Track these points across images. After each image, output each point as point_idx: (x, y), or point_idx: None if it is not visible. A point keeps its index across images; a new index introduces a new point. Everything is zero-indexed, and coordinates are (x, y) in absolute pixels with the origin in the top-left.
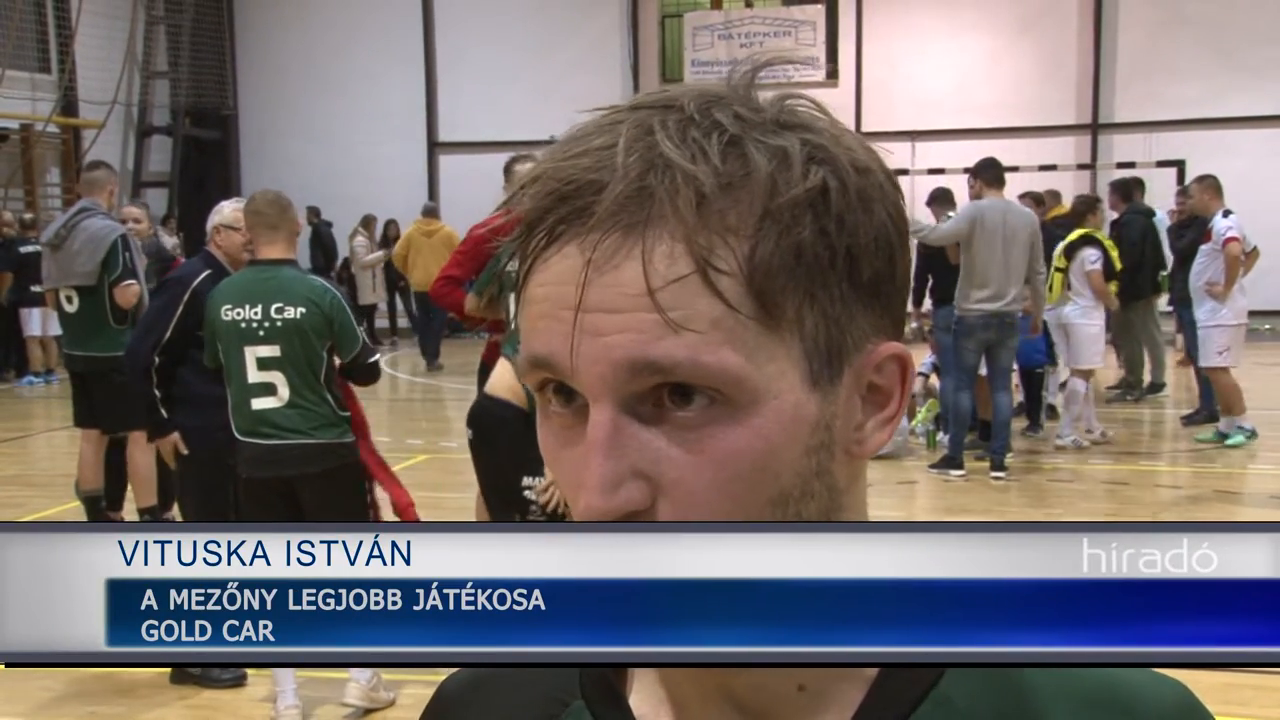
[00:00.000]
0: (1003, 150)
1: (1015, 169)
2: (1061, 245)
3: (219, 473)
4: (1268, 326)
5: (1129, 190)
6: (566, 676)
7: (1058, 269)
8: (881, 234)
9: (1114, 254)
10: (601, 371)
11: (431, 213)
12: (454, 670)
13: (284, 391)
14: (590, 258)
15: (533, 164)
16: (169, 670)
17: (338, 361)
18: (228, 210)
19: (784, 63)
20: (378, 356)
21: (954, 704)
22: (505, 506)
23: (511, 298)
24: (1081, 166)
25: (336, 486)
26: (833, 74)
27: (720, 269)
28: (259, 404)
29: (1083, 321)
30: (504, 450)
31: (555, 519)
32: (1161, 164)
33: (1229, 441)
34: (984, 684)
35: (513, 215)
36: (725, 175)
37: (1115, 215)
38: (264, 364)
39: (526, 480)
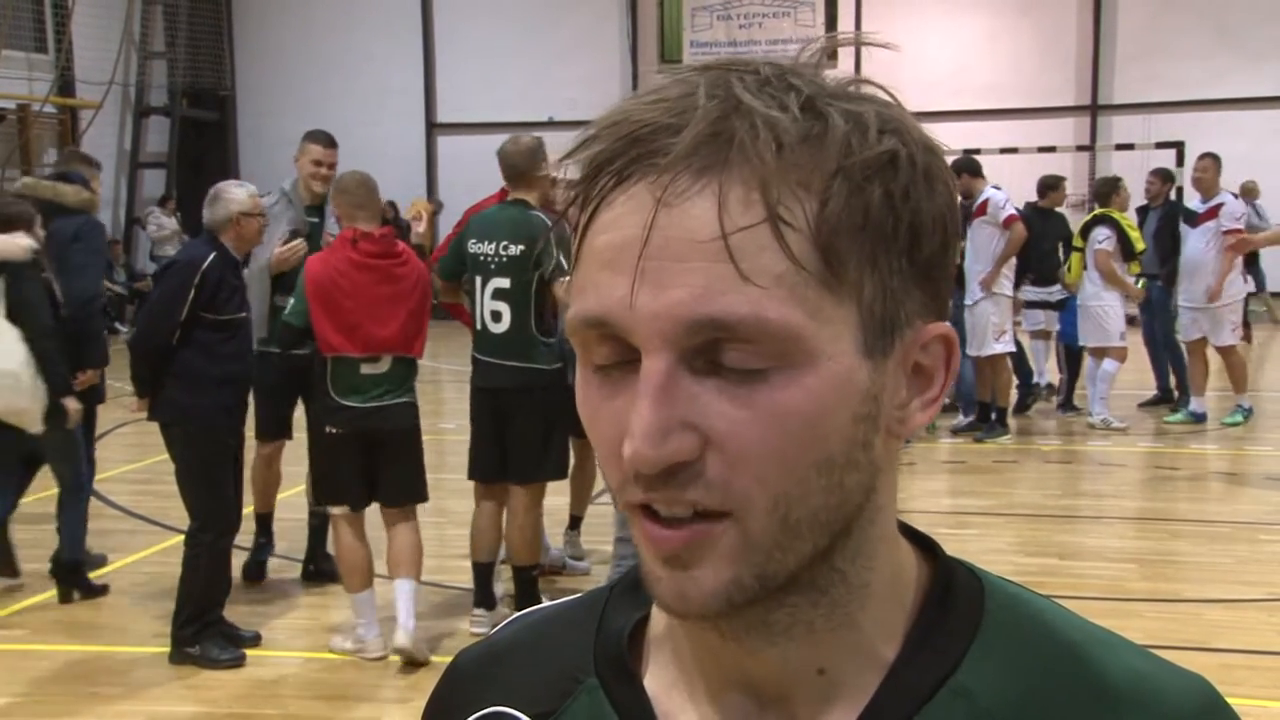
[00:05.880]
0: (1001, 131)
1: (1014, 150)
2: (1080, 225)
3: (219, 449)
4: (1264, 309)
5: (1057, 181)
6: (581, 654)
7: (1075, 249)
8: (939, 216)
9: (1134, 235)
10: (661, 326)
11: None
12: (468, 644)
13: (385, 360)
14: (660, 197)
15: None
16: (168, 651)
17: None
18: (245, 197)
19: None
20: None
21: (972, 694)
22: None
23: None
24: (1081, 148)
25: (416, 444)
26: (831, 54)
27: (789, 223)
28: (366, 369)
29: (1094, 303)
30: None
31: None
32: (1161, 145)
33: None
34: (1006, 674)
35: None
36: (803, 128)
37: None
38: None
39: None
